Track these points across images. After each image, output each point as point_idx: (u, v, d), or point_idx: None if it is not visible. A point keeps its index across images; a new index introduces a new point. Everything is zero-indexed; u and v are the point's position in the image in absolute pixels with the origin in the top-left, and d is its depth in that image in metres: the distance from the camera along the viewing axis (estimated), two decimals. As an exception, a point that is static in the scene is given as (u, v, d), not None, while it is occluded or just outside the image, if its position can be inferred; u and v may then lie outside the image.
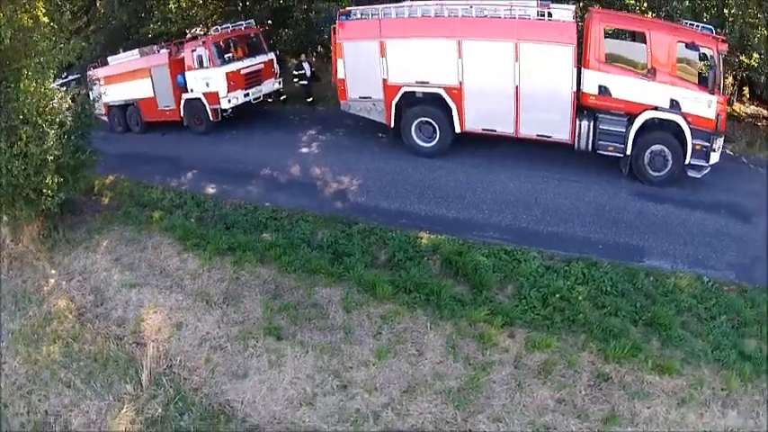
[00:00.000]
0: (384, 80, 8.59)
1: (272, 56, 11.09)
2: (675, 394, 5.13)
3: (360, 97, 8.92)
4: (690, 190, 7.94)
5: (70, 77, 13.24)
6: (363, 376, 5.38)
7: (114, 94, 11.83)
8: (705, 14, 10.23)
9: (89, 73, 11.97)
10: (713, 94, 7.44)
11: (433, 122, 8.58)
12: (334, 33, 8.88)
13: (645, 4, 10.53)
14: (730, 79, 12.80)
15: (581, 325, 5.64)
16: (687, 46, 7.43)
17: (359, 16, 8.63)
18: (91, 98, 10.64)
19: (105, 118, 12.17)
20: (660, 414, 5.01)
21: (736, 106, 13.63)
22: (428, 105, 8.50)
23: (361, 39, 8.52)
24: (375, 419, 5.07)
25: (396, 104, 8.65)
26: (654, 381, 5.18)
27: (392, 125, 8.89)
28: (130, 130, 12.16)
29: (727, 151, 10.46)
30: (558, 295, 5.90)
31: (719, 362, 5.37)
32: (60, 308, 6.91)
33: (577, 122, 7.90)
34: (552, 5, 7.87)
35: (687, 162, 7.79)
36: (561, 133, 8.02)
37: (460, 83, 8.16)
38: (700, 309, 5.97)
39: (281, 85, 11.47)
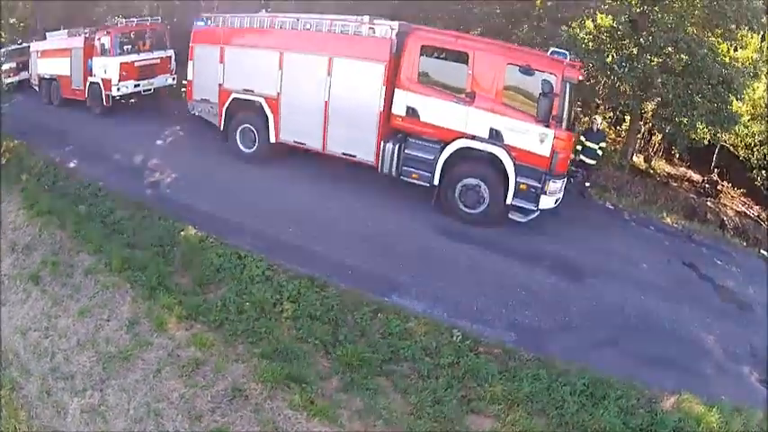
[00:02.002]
0: (220, 85, 9.23)
1: (170, 53, 12.18)
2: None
3: (201, 99, 9.64)
4: (514, 234, 7.63)
5: (25, 45, 15.07)
6: (62, 324, 6.47)
7: (45, 67, 13.46)
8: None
9: (31, 45, 13.92)
10: (549, 127, 6.93)
11: (254, 130, 9.06)
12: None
13: (532, 34, 10.40)
14: (658, 136, 12.59)
15: (259, 339, 5.74)
16: (520, 70, 7.03)
17: (211, 22, 9.42)
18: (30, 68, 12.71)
19: (37, 87, 14.01)
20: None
21: (662, 165, 13.28)
22: (251, 113, 9.00)
23: (207, 44, 9.29)
24: (52, 358, 6.16)
25: (226, 109, 9.23)
26: (296, 417, 4.99)
27: (222, 128, 9.44)
28: (52, 103, 13.58)
29: (608, 204, 10.42)
30: (259, 306, 6.08)
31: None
32: None
33: (383, 145, 7.88)
34: (377, 22, 7.85)
35: (509, 203, 7.42)
36: (366, 154, 8.12)
37: (278, 94, 8.62)
38: (424, 362, 5.56)
39: (175, 81, 12.45)
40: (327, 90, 8.16)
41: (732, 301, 8.04)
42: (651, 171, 12.23)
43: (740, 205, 12.35)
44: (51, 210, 8.52)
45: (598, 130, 9.40)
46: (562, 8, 10.59)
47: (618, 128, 12.75)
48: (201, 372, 5.48)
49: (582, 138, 9.23)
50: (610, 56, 9.75)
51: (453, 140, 7.53)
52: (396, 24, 7.77)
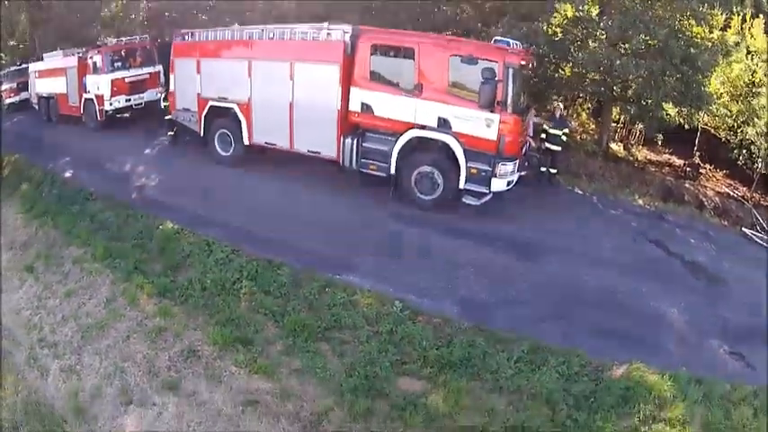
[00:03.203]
0: (198, 94, 10.84)
1: (159, 68, 14.02)
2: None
3: (183, 108, 11.27)
4: (471, 218, 8.68)
5: (24, 66, 17.33)
6: (50, 304, 8.09)
7: (42, 86, 15.57)
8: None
9: (30, 66, 16.11)
10: (494, 112, 7.98)
11: (230, 134, 10.62)
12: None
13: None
14: (639, 125, 13.50)
15: (217, 311, 6.94)
16: (463, 60, 8.12)
17: (188, 37, 11.06)
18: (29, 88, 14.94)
19: (36, 106, 16.19)
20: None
21: (643, 152, 14.13)
22: (226, 119, 10.57)
23: (185, 57, 10.93)
24: (40, 331, 7.76)
25: (204, 116, 10.83)
26: (239, 373, 6.16)
27: (202, 134, 11.05)
28: (51, 120, 15.68)
29: (577, 189, 11.38)
30: (220, 284, 7.35)
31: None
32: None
33: (343, 140, 9.20)
34: (333, 27, 9.17)
35: (462, 187, 8.50)
36: (329, 150, 9.46)
37: (249, 99, 10.13)
38: (363, 330, 6.58)
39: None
40: (291, 93, 9.58)
41: (702, 276, 8.80)
42: (630, 158, 13.12)
43: (724, 187, 13.02)
44: (47, 212, 10.32)
45: (561, 116, 10.51)
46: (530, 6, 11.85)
47: (598, 118, 13.72)
48: (163, 337, 6.79)
49: (545, 126, 10.37)
50: (573, 45, 10.89)
51: (405, 131, 8.75)
52: (349, 28, 9.12)
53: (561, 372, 6.24)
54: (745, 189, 13.22)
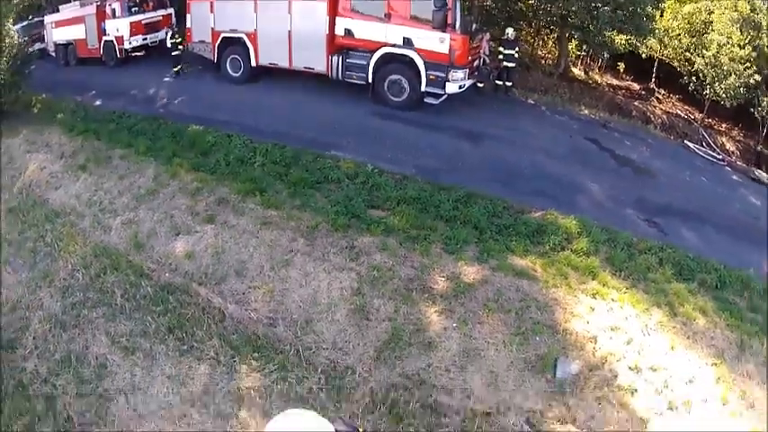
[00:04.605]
0: (212, 28, 14.58)
1: (170, 11, 17.63)
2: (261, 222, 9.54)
3: (199, 41, 15.04)
4: (434, 116, 12.30)
5: (36, 20, 21.01)
6: (107, 185, 11.28)
7: (60, 35, 19.11)
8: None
9: (46, 18, 19.79)
10: (445, 32, 11.67)
11: (239, 58, 14.38)
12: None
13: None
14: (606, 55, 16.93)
15: (238, 176, 10.52)
16: None
17: None
18: (45, 38, 18.58)
19: (53, 53, 19.81)
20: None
21: (605, 77, 17.55)
22: (236, 46, 14.30)
23: (200, 0, 14.76)
24: (100, 204, 10.87)
25: (218, 46, 14.59)
26: (257, 208, 9.73)
27: (216, 61, 14.87)
28: (69, 64, 19.37)
29: (530, 100, 14.91)
30: (239, 159, 11.01)
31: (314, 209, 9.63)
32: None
33: (330, 58, 13.09)
34: None
35: (424, 90, 12.21)
36: (320, 66, 13.30)
37: (255, 30, 13.87)
38: (344, 182, 10.37)
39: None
40: (290, 24, 13.37)
41: (630, 167, 12.35)
42: (589, 81, 16.57)
43: (677, 110, 16.43)
44: (87, 129, 13.52)
45: (512, 38, 13.99)
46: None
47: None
48: (200, 193, 10.35)
49: (500, 48, 13.89)
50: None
51: (379, 49, 12.51)
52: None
53: (488, 209, 9.85)
54: (697, 113, 16.63)
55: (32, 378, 8.07)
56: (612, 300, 8.18)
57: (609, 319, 7.85)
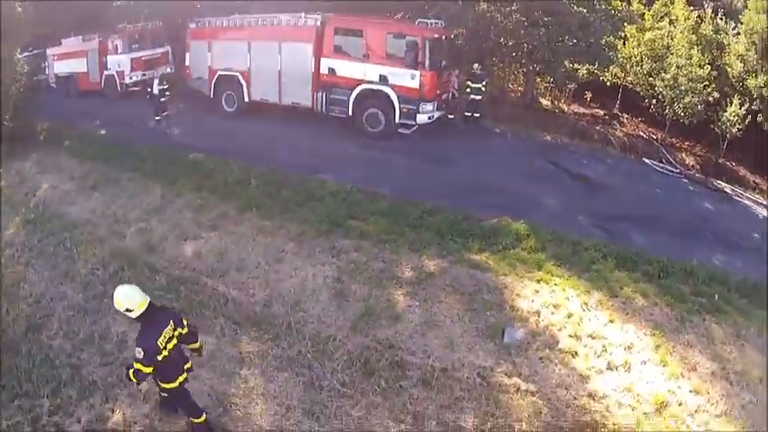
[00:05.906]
0: (209, 66, 17.82)
1: (168, 48, 20.99)
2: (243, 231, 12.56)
3: (197, 77, 18.26)
4: (407, 143, 15.62)
5: (35, 51, 24.18)
6: (118, 202, 14.02)
7: (62, 67, 22.27)
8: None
9: (47, 50, 22.99)
10: (416, 69, 14.85)
11: (233, 94, 17.58)
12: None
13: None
14: (573, 85, 20.52)
15: (237, 195, 13.44)
16: (395, 36, 15.08)
17: (200, 24, 18.23)
18: (46, 69, 21.96)
19: (54, 85, 22.99)
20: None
21: (572, 107, 21.07)
22: (230, 83, 17.47)
23: (199, 39, 17.90)
24: (114, 217, 13.73)
25: (214, 83, 17.81)
26: (254, 221, 12.55)
27: (212, 96, 18.07)
28: (70, 95, 22.43)
29: (496, 129, 18.23)
30: (236, 181, 13.98)
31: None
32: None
33: (315, 94, 16.33)
34: (310, 16, 16.22)
35: (398, 121, 15.41)
36: (306, 101, 16.46)
37: (248, 68, 17.10)
38: (328, 198, 13.29)
39: (173, 70, 21.16)
40: (279, 63, 16.61)
41: (584, 183, 15.48)
42: (556, 111, 20.01)
43: (640, 132, 19.78)
44: (95, 155, 16.47)
45: (479, 73, 17.36)
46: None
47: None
48: (204, 209, 13.19)
49: (468, 81, 17.33)
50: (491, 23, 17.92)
51: (358, 86, 15.68)
52: (319, 16, 16.17)
53: (450, 218, 12.65)
54: (659, 132, 19.94)
55: (58, 353, 10.13)
56: (555, 285, 10.56)
57: (551, 299, 10.19)
